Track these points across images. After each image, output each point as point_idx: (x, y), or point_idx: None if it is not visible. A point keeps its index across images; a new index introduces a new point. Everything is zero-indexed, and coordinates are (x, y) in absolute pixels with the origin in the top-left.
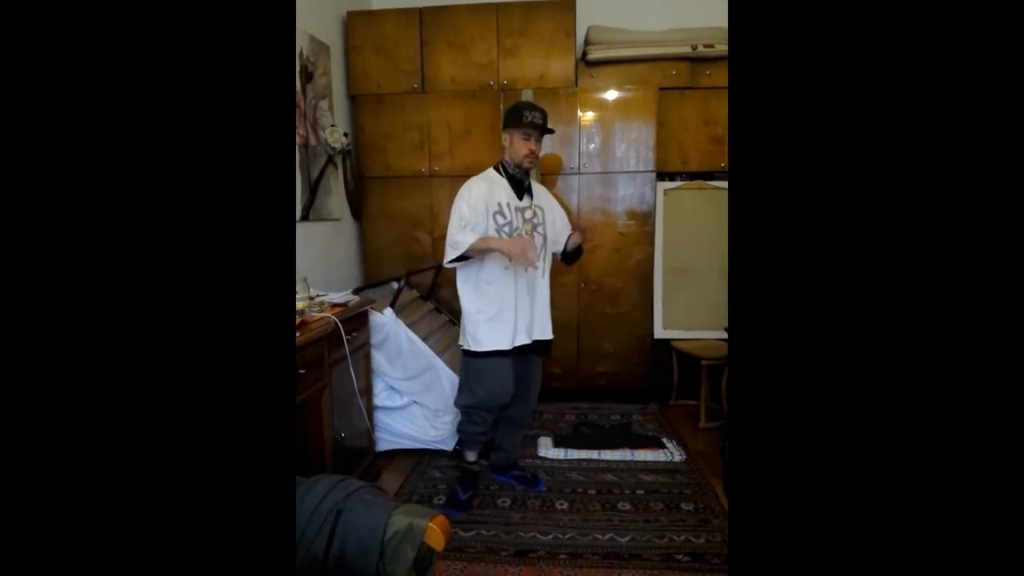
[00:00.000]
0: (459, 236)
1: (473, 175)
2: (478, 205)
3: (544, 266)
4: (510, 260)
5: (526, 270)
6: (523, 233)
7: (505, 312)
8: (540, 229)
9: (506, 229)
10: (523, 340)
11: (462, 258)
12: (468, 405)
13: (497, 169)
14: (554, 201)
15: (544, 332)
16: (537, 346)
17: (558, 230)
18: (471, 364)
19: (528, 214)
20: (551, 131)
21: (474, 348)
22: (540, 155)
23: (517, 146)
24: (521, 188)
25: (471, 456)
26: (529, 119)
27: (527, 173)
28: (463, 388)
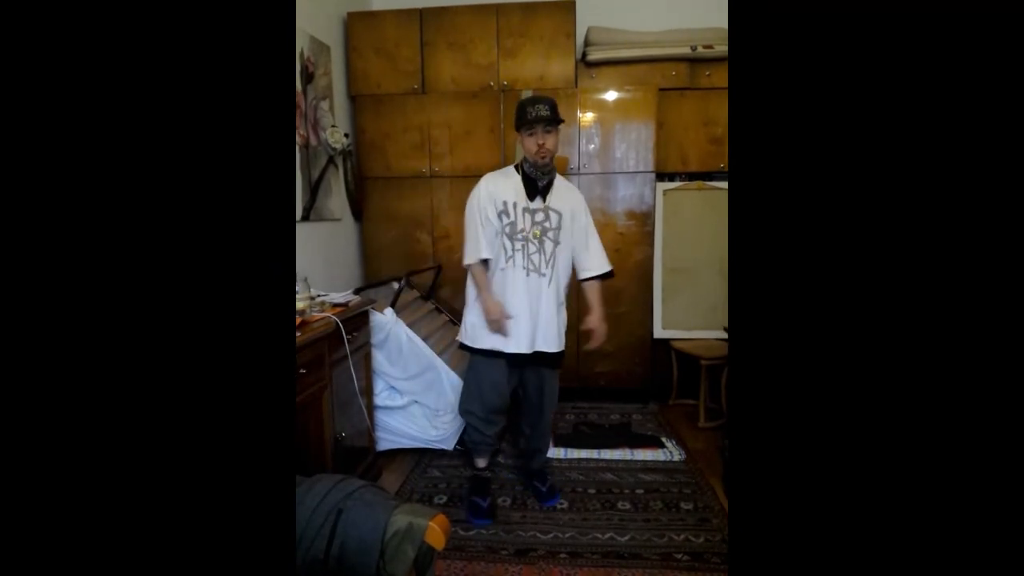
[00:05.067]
0: (471, 257)
1: (473, 176)
2: (486, 207)
3: (553, 274)
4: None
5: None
6: (529, 237)
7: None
8: (551, 235)
9: (508, 229)
10: (521, 348)
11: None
12: (468, 410)
13: (517, 167)
14: (582, 208)
15: (547, 344)
16: (541, 357)
17: (576, 238)
18: (471, 360)
19: (539, 216)
20: (559, 120)
21: (467, 343)
22: (552, 145)
23: (527, 144)
24: (535, 189)
25: (481, 463)
26: (532, 115)
27: (545, 174)
28: (464, 388)
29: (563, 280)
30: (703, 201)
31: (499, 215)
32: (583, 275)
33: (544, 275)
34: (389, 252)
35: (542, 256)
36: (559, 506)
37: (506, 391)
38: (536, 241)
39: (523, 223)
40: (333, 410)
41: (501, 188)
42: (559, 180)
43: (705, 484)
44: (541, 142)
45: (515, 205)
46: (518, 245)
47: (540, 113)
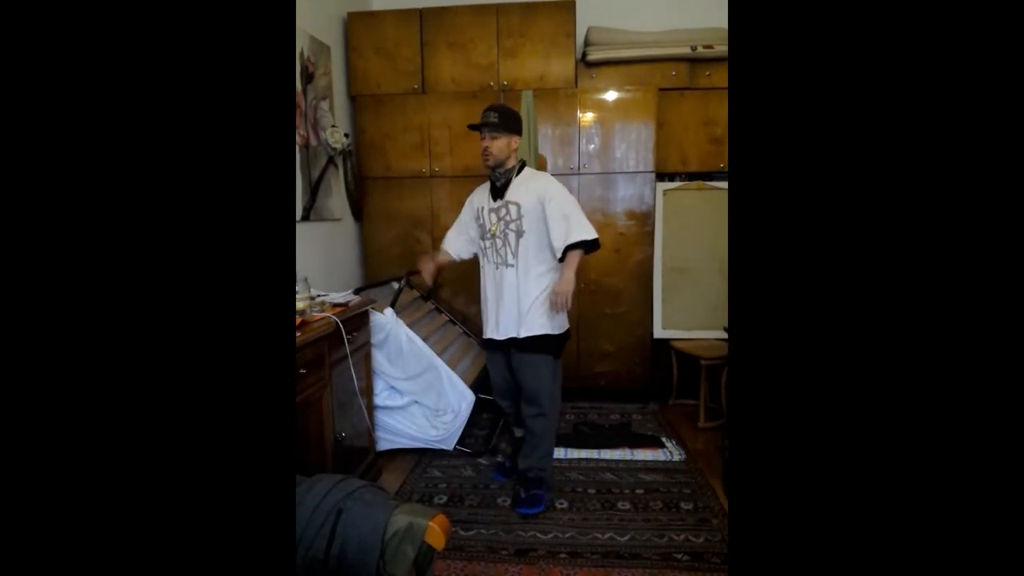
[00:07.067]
0: (444, 241)
1: (473, 176)
2: (467, 207)
3: (521, 263)
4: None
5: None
6: (495, 233)
7: (482, 305)
8: (512, 226)
9: (480, 231)
10: (493, 334)
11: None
12: (491, 395)
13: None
14: (546, 193)
15: (516, 329)
16: (513, 342)
17: (538, 220)
18: None
19: (501, 212)
20: (504, 127)
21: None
22: (496, 149)
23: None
24: (496, 190)
25: (518, 432)
26: (480, 120)
27: (501, 175)
28: None
29: (538, 268)
30: (703, 201)
31: (475, 219)
32: (556, 254)
33: (512, 266)
34: (389, 252)
35: (507, 248)
36: (559, 506)
37: (505, 373)
38: (501, 236)
39: (488, 222)
40: (333, 410)
41: (478, 196)
42: (522, 175)
43: (705, 484)
44: (485, 146)
45: (483, 209)
46: (487, 243)
47: (487, 119)
